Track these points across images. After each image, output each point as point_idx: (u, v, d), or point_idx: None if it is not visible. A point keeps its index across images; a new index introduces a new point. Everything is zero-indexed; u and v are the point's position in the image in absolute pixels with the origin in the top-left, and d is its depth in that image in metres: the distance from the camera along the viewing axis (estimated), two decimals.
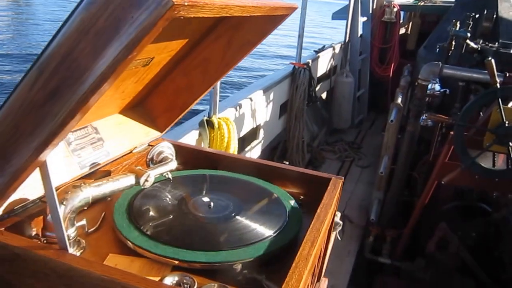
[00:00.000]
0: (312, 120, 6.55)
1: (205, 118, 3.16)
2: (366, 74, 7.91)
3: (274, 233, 1.27)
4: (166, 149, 1.66)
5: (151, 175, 1.34)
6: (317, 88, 6.14)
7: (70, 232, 1.12)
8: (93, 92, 0.94)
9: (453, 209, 3.53)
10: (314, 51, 6.62)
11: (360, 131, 7.43)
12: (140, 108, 1.73)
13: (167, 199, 1.43)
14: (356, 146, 6.69)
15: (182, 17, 0.92)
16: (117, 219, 1.27)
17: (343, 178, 1.54)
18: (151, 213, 1.34)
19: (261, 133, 4.57)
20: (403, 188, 4.08)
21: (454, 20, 3.99)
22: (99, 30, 0.92)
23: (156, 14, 0.86)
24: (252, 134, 4.40)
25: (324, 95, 7.11)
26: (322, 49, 6.74)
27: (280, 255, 1.21)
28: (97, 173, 1.44)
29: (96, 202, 1.25)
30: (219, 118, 3.20)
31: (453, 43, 3.96)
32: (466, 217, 3.48)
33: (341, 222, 1.73)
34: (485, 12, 4.16)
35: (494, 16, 4.20)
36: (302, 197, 1.57)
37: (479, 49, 3.68)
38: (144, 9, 0.87)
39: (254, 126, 4.34)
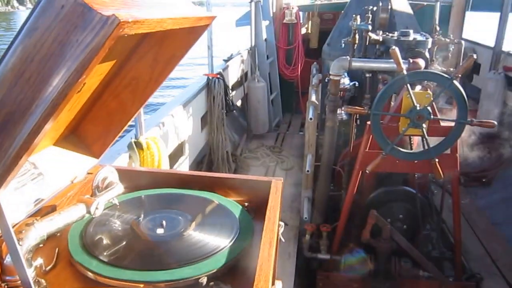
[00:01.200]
0: (231, 129, 6.55)
1: (133, 139, 3.10)
2: (276, 77, 8.08)
3: (230, 241, 1.30)
4: (110, 174, 1.60)
5: (101, 203, 1.35)
6: (232, 96, 6.16)
7: (29, 273, 1.07)
8: (46, 121, 0.92)
9: (380, 196, 3.64)
10: (224, 60, 6.63)
11: (279, 134, 7.54)
12: (74, 136, 1.71)
13: (118, 224, 1.43)
14: (277, 150, 6.76)
15: (125, 35, 0.93)
16: (73, 252, 1.26)
17: (282, 179, 1.60)
18: (106, 240, 1.33)
19: (186, 148, 4.50)
20: (329, 183, 4.15)
21: (354, 15, 4.14)
22: (43, 57, 0.90)
23: (103, 34, 0.86)
24: (178, 151, 4.33)
25: (239, 103, 7.14)
26: (231, 57, 6.76)
27: (240, 262, 1.25)
28: (42, 210, 1.41)
29: (48, 237, 1.24)
30: (146, 138, 3.16)
31: (357, 36, 4.11)
32: (393, 201, 3.60)
33: (282, 224, 1.77)
34: (381, 4, 4.35)
35: (389, 7, 4.40)
36: (247, 203, 1.60)
37: (381, 39, 3.84)
38: (90, 30, 0.87)
39: (179, 142, 4.28)
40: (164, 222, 1.38)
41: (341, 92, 4.29)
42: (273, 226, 1.28)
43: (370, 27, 3.96)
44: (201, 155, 5.18)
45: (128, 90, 1.62)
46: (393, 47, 3.04)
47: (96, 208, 1.31)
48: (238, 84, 6.94)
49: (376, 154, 3.21)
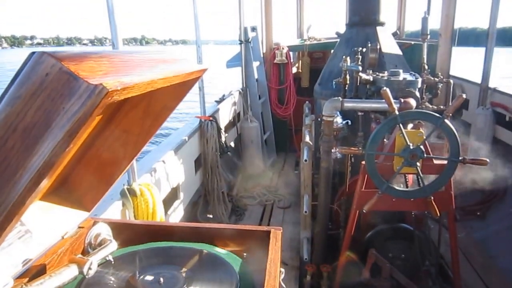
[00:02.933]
0: (226, 170, 6.56)
1: (126, 186, 3.07)
2: (268, 117, 8.15)
3: None
4: (103, 230, 1.58)
5: (94, 262, 1.28)
6: (226, 137, 6.20)
7: None
8: (31, 191, 0.88)
9: (378, 234, 3.65)
10: (216, 101, 6.71)
11: (274, 173, 7.56)
12: (63, 189, 1.63)
13: (112, 282, 1.36)
14: (274, 189, 6.77)
15: (115, 101, 0.91)
16: None
17: (281, 228, 1.57)
18: None
19: (181, 192, 4.49)
20: (327, 223, 4.16)
21: (344, 56, 4.25)
22: (27, 125, 0.87)
23: (91, 104, 0.84)
24: (173, 194, 4.31)
25: (233, 143, 7.19)
26: (223, 98, 6.84)
27: None
28: (31, 269, 1.34)
29: None
30: (139, 184, 3.13)
31: (347, 77, 4.20)
32: (391, 239, 3.61)
33: (283, 270, 1.76)
34: (369, 45, 4.47)
35: (378, 47, 4.53)
36: (245, 254, 1.57)
37: (371, 80, 3.93)
38: (77, 98, 0.84)
39: (174, 186, 4.26)
40: (161, 280, 1.34)
41: (335, 132, 4.35)
42: (274, 282, 1.25)
43: (360, 68, 4.06)
44: (197, 196, 5.18)
45: (119, 143, 1.59)
46: (384, 87, 3.12)
47: (89, 269, 1.26)
48: (231, 124, 7.00)
49: (372, 193, 3.24)
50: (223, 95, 7.02)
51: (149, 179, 3.53)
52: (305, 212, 4.04)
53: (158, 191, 3.38)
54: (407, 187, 3.54)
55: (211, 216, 5.23)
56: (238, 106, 7.30)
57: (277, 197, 6.38)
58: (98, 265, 1.40)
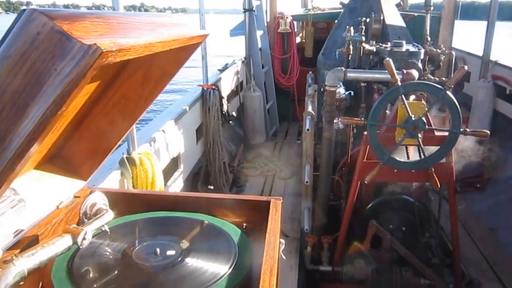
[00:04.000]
0: (228, 140, 6.55)
1: (125, 155, 3.02)
2: (271, 86, 8.10)
3: (229, 268, 1.24)
4: (99, 199, 1.53)
5: (88, 232, 1.23)
6: (228, 106, 6.17)
7: None
8: (21, 157, 0.86)
9: (379, 206, 3.66)
10: (218, 70, 6.65)
11: (276, 143, 7.55)
12: (58, 158, 1.60)
13: (108, 253, 1.33)
14: (276, 159, 6.78)
15: (110, 63, 0.87)
16: (58, 287, 1.16)
17: (281, 198, 1.55)
18: (95, 272, 1.24)
19: (182, 161, 4.48)
20: (329, 193, 4.17)
21: (347, 26, 4.18)
22: (17, 88, 0.84)
23: (85, 64, 0.81)
24: (174, 164, 4.31)
25: (235, 113, 7.16)
26: (226, 67, 6.78)
27: None
28: (24, 240, 1.30)
29: (29, 272, 1.12)
30: (139, 153, 3.09)
31: (351, 47, 4.14)
32: (392, 210, 3.62)
33: (283, 241, 1.76)
34: (373, 15, 4.39)
35: (382, 18, 4.45)
36: (245, 224, 1.55)
37: (374, 50, 3.88)
38: (69, 59, 0.81)
39: (175, 156, 4.25)
40: (158, 250, 1.31)
41: (337, 102, 4.32)
42: (274, 252, 1.23)
43: (363, 38, 4.00)
44: (198, 167, 5.18)
45: (117, 109, 1.54)
46: (387, 58, 3.08)
47: (84, 239, 1.21)
48: (234, 94, 6.95)
49: (374, 164, 3.24)
50: (226, 64, 6.95)
51: (149, 149, 3.49)
52: (307, 182, 4.05)
53: (158, 161, 3.35)
54: (408, 158, 3.53)
55: (212, 187, 5.25)
56: (241, 75, 7.23)
57: (278, 167, 6.39)
58: (94, 235, 1.38)
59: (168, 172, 4.17)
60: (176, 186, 4.34)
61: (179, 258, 1.29)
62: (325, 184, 3.98)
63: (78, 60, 0.80)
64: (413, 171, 3.27)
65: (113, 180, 2.92)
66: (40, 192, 1.46)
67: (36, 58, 0.83)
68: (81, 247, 1.23)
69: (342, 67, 3.57)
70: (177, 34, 1.21)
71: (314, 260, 3.85)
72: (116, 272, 1.24)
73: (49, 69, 0.82)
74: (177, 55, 1.45)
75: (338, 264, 3.72)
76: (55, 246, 1.17)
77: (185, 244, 1.37)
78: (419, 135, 3.09)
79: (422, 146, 3.13)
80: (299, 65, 8.38)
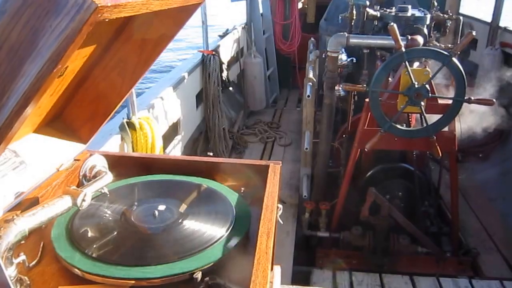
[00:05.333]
0: (228, 106, 6.51)
1: (125, 120, 3.02)
2: (272, 52, 8.00)
3: (226, 231, 1.23)
4: (98, 162, 1.52)
5: (88, 194, 1.23)
6: (228, 73, 6.10)
7: (10, 272, 1.01)
8: (18, 115, 0.84)
9: (378, 173, 3.65)
10: (219, 36, 6.54)
11: (276, 110, 7.51)
12: (58, 122, 1.59)
13: (107, 215, 1.33)
14: (275, 126, 6.75)
15: (106, 19, 0.85)
16: (58, 247, 1.16)
17: (280, 163, 1.53)
18: (94, 233, 1.24)
19: (181, 127, 4.45)
20: (328, 160, 4.16)
21: None
22: (13, 45, 0.82)
23: (79, 20, 0.78)
24: (173, 130, 4.28)
25: (235, 79, 7.08)
26: (226, 33, 6.67)
27: (237, 254, 1.18)
28: (25, 201, 1.31)
29: (30, 232, 1.13)
30: (139, 118, 3.08)
31: (354, 12, 4.05)
32: (391, 178, 3.61)
33: (281, 206, 1.76)
34: None
35: None
36: (243, 188, 1.53)
37: (378, 15, 3.79)
38: (64, 15, 0.79)
39: (174, 121, 4.23)
40: (156, 212, 1.30)
41: (339, 69, 4.25)
42: (271, 215, 1.22)
43: (367, 3, 3.90)
44: (197, 133, 5.15)
45: (116, 72, 1.52)
46: (391, 23, 3.01)
47: (83, 200, 1.20)
48: (234, 60, 6.86)
49: (375, 132, 3.21)
50: (227, 30, 6.83)
51: (150, 113, 3.48)
52: (306, 149, 4.03)
53: (158, 125, 3.33)
54: (409, 127, 3.50)
55: (211, 153, 5.23)
56: (241, 41, 7.12)
57: (278, 134, 6.37)
58: (93, 197, 1.36)
59: (168, 137, 4.15)
60: (176, 151, 4.33)
61: (177, 220, 1.28)
62: (324, 151, 3.96)
63: (72, 15, 0.78)
64: (414, 139, 3.24)
65: (113, 144, 2.93)
66: (40, 154, 1.46)
67: (31, 14, 0.81)
68: (80, 208, 1.23)
69: (345, 33, 3.49)
70: None
71: (312, 226, 3.88)
72: (114, 233, 1.24)
73: (44, 25, 0.80)
74: (176, 17, 1.41)
75: (336, 230, 3.74)
76: (55, 207, 1.17)
77: (183, 207, 1.36)
78: (422, 103, 3.04)
79: (425, 114, 3.09)
80: (301, 31, 8.24)
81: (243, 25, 7.24)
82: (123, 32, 1.47)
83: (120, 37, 1.48)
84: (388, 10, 3.83)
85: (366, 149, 3.28)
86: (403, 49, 2.95)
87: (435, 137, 3.14)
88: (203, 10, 4.96)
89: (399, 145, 3.32)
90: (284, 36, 8.28)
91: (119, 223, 1.29)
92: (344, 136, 4.17)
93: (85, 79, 1.55)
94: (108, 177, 1.41)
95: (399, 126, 3.17)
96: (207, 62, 5.02)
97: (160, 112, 3.79)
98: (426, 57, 3.11)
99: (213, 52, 5.12)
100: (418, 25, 3.54)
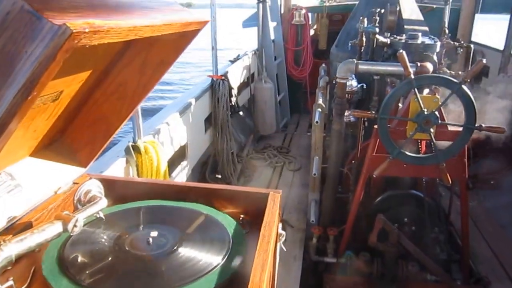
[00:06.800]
0: (238, 130, 6.53)
1: (130, 143, 3.03)
2: (283, 78, 8.04)
3: (222, 259, 1.21)
4: (94, 187, 1.52)
5: (80, 219, 1.21)
6: (238, 97, 6.14)
7: None
8: None
9: (387, 200, 3.62)
10: (230, 61, 6.61)
11: (287, 135, 7.51)
12: (58, 145, 1.60)
13: (101, 241, 1.31)
14: (285, 150, 6.74)
15: (86, 45, 0.84)
16: (48, 273, 1.14)
17: (280, 191, 1.52)
18: (85, 260, 1.21)
19: (189, 150, 4.46)
20: (337, 186, 4.13)
21: (361, 17, 4.12)
22: None
23: (54, 46, 0.77)
24: (181, 153, 4.29)
25: (246, 104, 7.13)
26: (238, 58, 6.74)
27: (232, 281, 1.16)
28: (19, 225, 1.30)
29: (18, 257, 1.12)
30: (144, 142, 3.08)
31: (364, 39, 4.08)
32: (400, 205, 3.57)
33: (284, 232, 1.74)
34: (389, 6, 4.32)
35: (398, 9, 4.37)
36: (242, 216, 1.52)
37: (388, 42, 3.81)
38: (39, 41, 0.78)
39: (182, 145, 4.24)
40: (150, 239, 1.28)
41: (349, 95, 4.27)
42: (267, 246, 1.19)
43: (377, 30, 3.93)
44: (206, 157, 5.17)
45: (115, 97, 1.53)
46: (401, 50, 3.02)
47: (75, 226, 1.19)
48: (245, 85, 6.92)
49: (383, 158, 3.19)
50: (238, 55, 6.91)
51: (156, 137, 3.49)
52: (314, 174, 4.02)
53: (164, 149, 3.34)
54: (420, 153, 3.48)
55: (219, 176, 5.23)
56: (252, 67, 7.19)
57: (287, 159, 6.35)
58: (88, 223, 1.37)
59: (176, 161, 4.17)
60: (183, 174, 4.34)
61: (172, 248, 1.27)
62: (333, 176, 3.94)
63: (48, 41, 0.77)
64: (424, 166, 3.22)
65: (118, 168, 2.92)
66: (38, 178, 1.47)
67: (7, 39, 0.80)
68: (71, 234, 1.22)
69: (354, 59, 3.51)
70: (169, 19, 1.18)
71: (319, 252, 3.83)
72: (107, 260, 1.23)
73: (20, 51, 0.80)
74: (175, 43, 1.43)
75: (343, 256, 3.69)
76: (45, 233, 1.17)
77: (178, 233, 1.34)
78: (431, 130, 3.03)
79: (434, 141, 3.07)
80: (313, 57, 8.31)
81: (254, 51, 7.32)
82: (123, 57, 1.50)
83: (120, 62, 1.50)
84: (398, 37, 3.85)
85: (374, 176, 3.26)
86: (412, 76, 2.96)
87: (444, 164, 3.12)
88: (213, 35, 5.04)
89: (408, 172, 3.29)
90: (295, 62, 8.36)
91: (113, 250, 1.26)
92: (353, 162, 4.16)
93: (85, 102, 1.57)
94: (103, 202, 1.40)
95: (408, 153, 3.15)
96: (216, 86, 5.06)
97: (166, 136, 3.80)
98: (435, 84, 3.10)
99: (222, 77, 5.16)
100: (428, 52, 3.55)
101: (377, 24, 4.04)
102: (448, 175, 3.15)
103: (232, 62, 6.55)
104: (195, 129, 4.65)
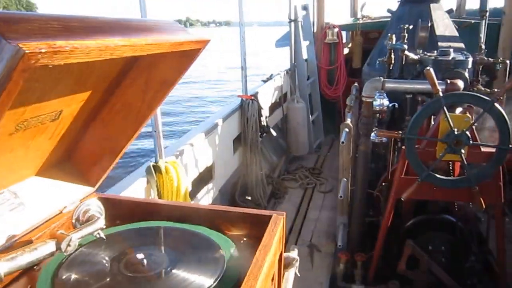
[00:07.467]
0: (270, 151, 6.45)
1: (152, 164, 3.04)
2: (317, 98, 7.93)
3: (214, 281, 1.18)
4: (93, 206, 1.51)
5: (74, 239, 1.21)
6: (270, 117, 6.09)
7: None
8: None
9: (418, 225, 3.43)
10: (262, 80, 6.59)
11: (319, 156, 7.36)
12: (65, 164, 1.60)
13: (95, 262, 1.30)
14: (317, 172, 6.59)
15: (50, 65, 0.82)
16: None
17: (284, 213, 1.45)
18: (78, 280, 1.20)
19: (216, 171, 4.42)
20: (365, 209, 3.97)
21: (389, 34, 4.00)
22: None
23: (9, 66, 0.76)
24: (207, 174, 4.25)
25: (278, 124, 7.05)
26: (270, 77, 6.71)
27: None
28: (19, 243, 1.28)
29: (23, 272, 1.17)
30: (166, 162, 3.08)
31: (392, 56, 3.95)
32: (432, 230, 3.38)
33: (297, 258, 1.68)
34: (420, 23, 4.19)
35: (429, 25, 4.23)
36: (245, 238, 1.48)
37: (418, 59, 3.67)
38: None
39: (208, 166, 4.20)
40: (145, 261, 1.27)
41: (380, 114, 4.13)
42: (258, 272, 1.12)
43: (405, 47, 3.79)
44: (235, 178, 5.10)
45: (121, 116, 1.54)
46: (428, 67, 2.88)
47: (68, 245, 1.19)
48: (277, 105, 6.85)
49: (413, 181, 3.04)
50: (271, 75, 6.87)
51: (179, 158, 3.47)
52: (340, 196, 3.87)
53: (187, 170, 3.32)
54: (452, 175, 3.29)
55: (249, 198, 5.15)
56: (285, 86, 7.12)
57: (319, 180, 6.21)
58: (86, 243, 1.36)
59: (201, 182, 4.13)
60: (209, 196, 4.28)
61: (165, 270, 1.25)
62: (360, 199, 3.79)
63: (4, 62, 0.77)
64: (455, 189, 3.03)
65: (139, 188, 2.94)
66: (43, 197, 1.46)
67: None
68: (65, 253, 1.21)
69: (381, 77, 3.38)
70: (156, 39, 1.15)
71: (347, 278, 3.67)
72: (101, 282, 1.21)
73: None
74: (177, 63, 1.43)
75: (372, 283, 3.51)
76: (37, 252, 1.15)
77: (174, 255, 1.32)
78: (463, 151, 2.86)
79: (466, 163, 2.89)
80: (347, 76, 8.17)
81: (286, 70, 7.26)
82: (126, 77, 1.49)
83: (124, 82, 1.50)
84: (428, 54, 3.70)
85: (402, 199, 3.10)
86: (441, 94, 2.81)
87: (477, 188, 2.93)
88: (242, 55, 5.02)
89: (438, 195, 3.12)
90: (329, 81, 8.24)
91: (107, 271, 1.25)
92: (383, 184, 3.99)
93: (91, 122, 1.57)
94: (100, 222, 1.38)
95: (437, 175, 2.98)
96: (246, 106, 5.01)
97: (190, 157, 3.78)
98: (464, 102, 2.94)
99: (252, 97, 5.12)
100: (459, 69, 3.39)
101: (405, 41, 3.90)
102: (481, 199, 2.96)
103: (265, 81, 6.52)
104: (223, 150, 4.61)
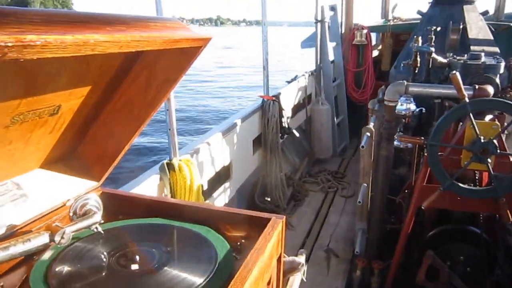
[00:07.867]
0: (293, 152, 6.37)
1: (166, 161, 3.04)
2: (343, 100, 7.78)
3: (204, 280, 1.18)
4: (91, 201, 1.52)
5: (67, 232, 1.23)
6: (293, 118, 6.00)
7: None
8: None
9: (439, 235, 3.30)
10: (287, 81, 6.51)
11: (344, 159, 7.23)
12: (70, 158, 1.65)
13: (89, 257, 1.31)
14: (340, 176, 6.47)
15: (21, 59, 0.81)
16: (33, 283, 1.16)
17: (284, 217, 1.44)
18: (71, 276, 1.21)
19: (234, 171, 4.36)
20: (384, 216, 3.85)
21: (415, 36, 3.87)
22: None
23: None
24: (224, 174, 4.20)
25: (302, 125, 6.95)
26: (295, 78, 6.62)
27: None
28: (19, 233, 1.32)
29: (21, 262, 1.22)
30: (180, 160, 3.07)
31: (418, 59, 3.81)
32: (454, 241, 3.24)
33: (303, 262, 1.66)
34: (451, 25, 4.04)
35: (461, 27, 4.08)
36: (243, 240, 1.47)
37: (446, 62, 3.53)
38: None
39: (225, 165, 4.15)
40: (137, 257, 1.28)
41: (407, 119, 4.01)
42: (247, 274, 1.11)
43: (432, 49, 3.64)
44: (255, 178, 5.04)
45: (124, 114, 1.56)
46: (454, 71, 2.75)
47: (62, 238, 1.21)
48: (301, 106, 6.75)
49: (435, 189, 2.91)
50: (296, 76, 6.78)
51: (194, 156, 3.45)
52: (359, 202, 3.77)
53: (201, 168, 3.30)
54: (478, 185, 3.15)
55: (268, 199, 5.08)
56: (309, 88, 7.02)
57: (341, 184, 6.09)
58: (82, 237, 1.39)
59: (218, 181, 4.08)
60: (226, 195, 4.23)
61: (159, 265, 1.26)
62: (379, 205, 3.66)
63: None
64: (480, 199, 2.89)
65: (152, 185, 2.94)
66: (49, 189, 1.50)
67: None
68: (58, 245, 1.24)
69: (404, 81, 3.26)
70: (148, 36, 1.13)
71: (363, 285, 3.57)
72: (92, 275, 1.23)
73: None
74: (178, 61, 1.43)
75: None
76: (30, 243, 1.19)
77: (167, 252, 1.34)
78: (489, 160, 2.72)
79: (492, 173, 2.75)
80: (375, 79, 8.00)
81: (311, 72, 7.15)
82: (128, 74, 1.50)
83: (126, 79, 1.51)
84: (458, 57, 3.55)
85: (423, 207, 2.98)
86: (467, 100, 2.68)
87: (504, 199, 2.78)
88: (264, 55, 4.95)
89: (462, 205, 2.98)
90: (356, 84, 8.09)
91: (98, 266, 1.27)
92: (406, 191, 3.87)
93: (94, 118, 1.59)
94: (96, 216, 1.39)
95: (461, 185, 2.85)
96: (266, 107, 4.94)
97: (206, 156, 3.75)
98: (491, 108, 2.80)
99: (273, 98, 5.04)
100: (490, 74, 3.23)
101: (433, 43, 3.76)
102: (508, 211, 2.81)
103: (289, 82, 6.44)
104: (242, 150, 4.55)
